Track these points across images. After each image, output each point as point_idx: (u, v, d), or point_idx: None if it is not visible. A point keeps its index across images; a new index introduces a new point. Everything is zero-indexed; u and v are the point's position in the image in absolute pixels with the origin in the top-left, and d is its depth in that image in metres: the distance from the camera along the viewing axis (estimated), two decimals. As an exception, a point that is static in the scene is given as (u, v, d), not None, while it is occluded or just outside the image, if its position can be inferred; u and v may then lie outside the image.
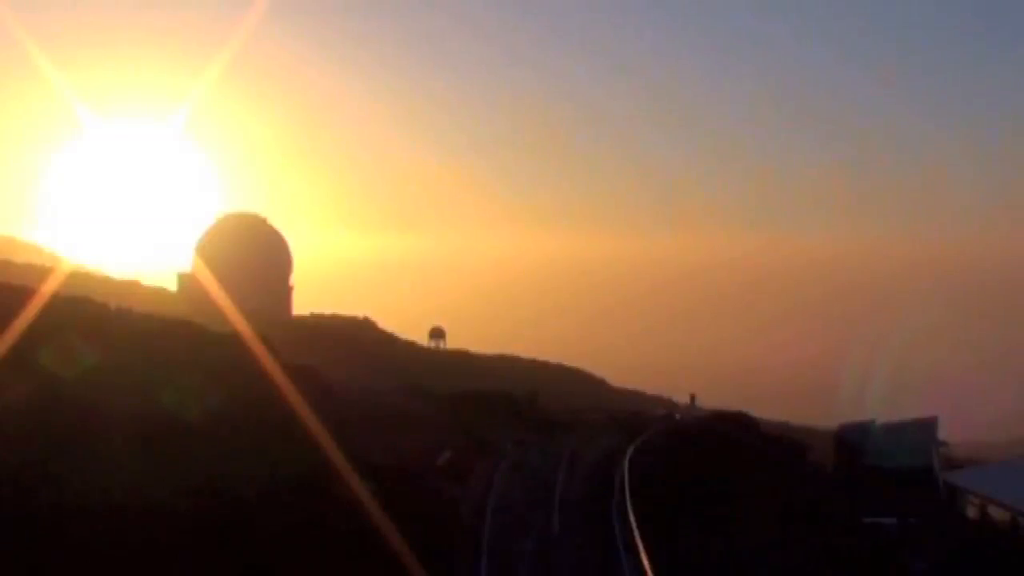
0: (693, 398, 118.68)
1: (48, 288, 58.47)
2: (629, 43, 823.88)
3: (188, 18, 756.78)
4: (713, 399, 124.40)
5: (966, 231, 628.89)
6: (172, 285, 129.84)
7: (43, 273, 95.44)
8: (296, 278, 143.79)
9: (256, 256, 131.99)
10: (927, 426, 79.77)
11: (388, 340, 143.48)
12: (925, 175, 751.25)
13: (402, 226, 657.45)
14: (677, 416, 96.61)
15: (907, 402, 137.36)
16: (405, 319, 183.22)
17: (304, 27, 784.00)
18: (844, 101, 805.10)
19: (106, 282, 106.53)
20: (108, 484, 36.50)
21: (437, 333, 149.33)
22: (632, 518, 42.65)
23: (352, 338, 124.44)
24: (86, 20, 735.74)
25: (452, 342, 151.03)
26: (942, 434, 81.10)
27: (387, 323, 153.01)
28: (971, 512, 63.56)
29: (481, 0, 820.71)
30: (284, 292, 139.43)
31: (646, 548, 38.08)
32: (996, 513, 61.01)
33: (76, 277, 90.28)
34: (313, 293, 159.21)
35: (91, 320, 54.52)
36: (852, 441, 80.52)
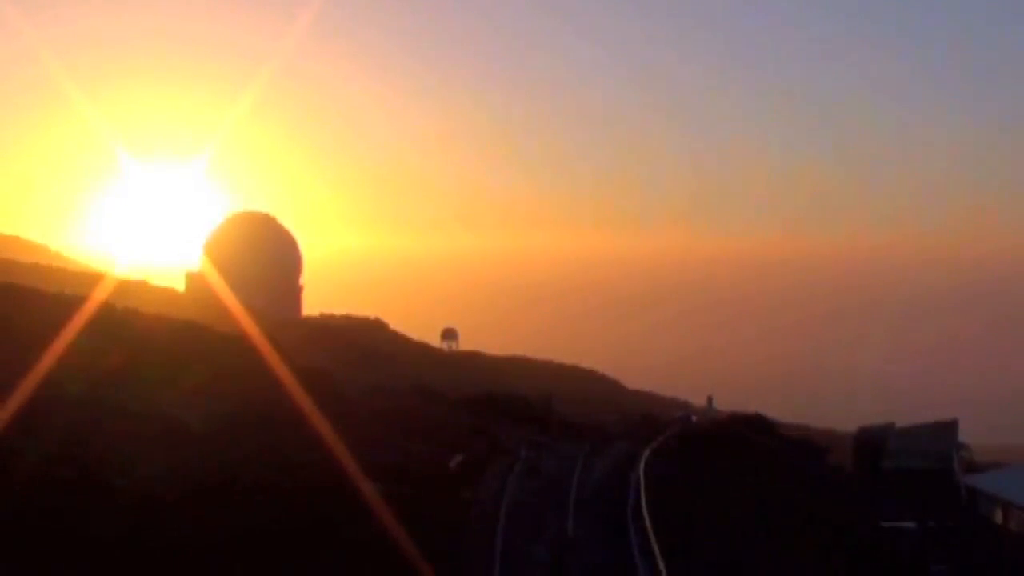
0: (710, 400, 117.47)
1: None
2: (639, 44, 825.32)
3: (193, 20, 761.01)
4: (730, 401, 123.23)
5: (996, 231, 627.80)
6: (180, 285, 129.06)
7: (48, 273, 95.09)
8: (306, 278, 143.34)
9: (265, 256, 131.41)
10: (947, 429, 79.07)
11: (399, 341, 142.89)
12: (948, 175, 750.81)
13: (414, 226, 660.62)
14: (693, 418, 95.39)
15: (931, 403, 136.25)
16: (417, 320, 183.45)
17: (316, 29, 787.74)
18: (856, 102, 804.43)
19: (112, 281, 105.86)
20: (115, 485, 36.31)
21: (449, 334, 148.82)
22: (648, 522, 41.92)
23: (363, 339, 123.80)
24: (87, 19, 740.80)
25: (464, 343, 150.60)
26: (964, 437, 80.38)
27: (398, 324, 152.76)
28: (998, 517, 62.81)
29: (489, 1, 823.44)
30: (294, 292, 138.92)
31: (662, 552, 37.35)
32: (1017, 516, 60.41)
33: (83, 277, 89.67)
34: (323, 293, 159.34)
35: (96, 322, 53.93)
36: (872, 444, 79.82)
